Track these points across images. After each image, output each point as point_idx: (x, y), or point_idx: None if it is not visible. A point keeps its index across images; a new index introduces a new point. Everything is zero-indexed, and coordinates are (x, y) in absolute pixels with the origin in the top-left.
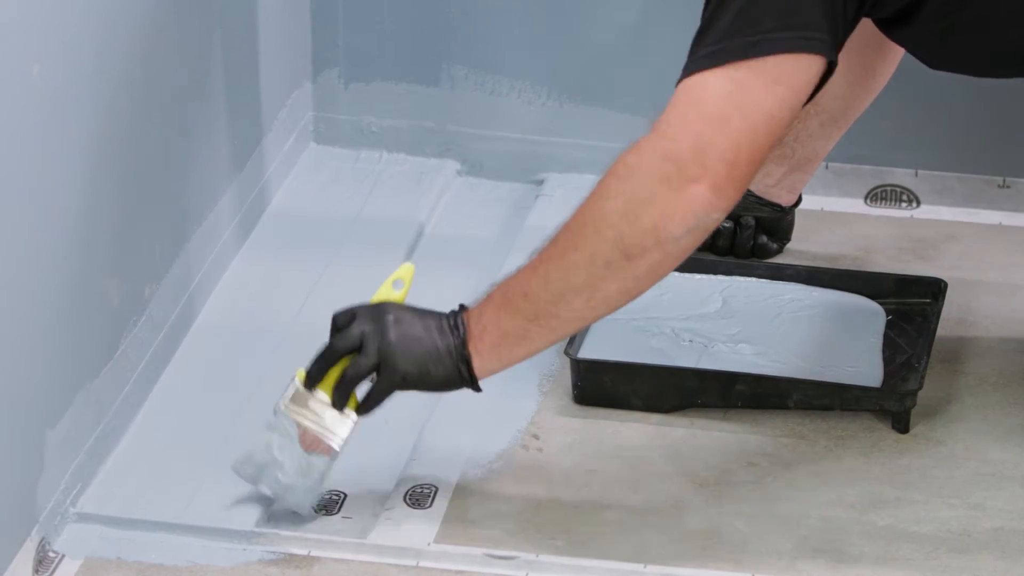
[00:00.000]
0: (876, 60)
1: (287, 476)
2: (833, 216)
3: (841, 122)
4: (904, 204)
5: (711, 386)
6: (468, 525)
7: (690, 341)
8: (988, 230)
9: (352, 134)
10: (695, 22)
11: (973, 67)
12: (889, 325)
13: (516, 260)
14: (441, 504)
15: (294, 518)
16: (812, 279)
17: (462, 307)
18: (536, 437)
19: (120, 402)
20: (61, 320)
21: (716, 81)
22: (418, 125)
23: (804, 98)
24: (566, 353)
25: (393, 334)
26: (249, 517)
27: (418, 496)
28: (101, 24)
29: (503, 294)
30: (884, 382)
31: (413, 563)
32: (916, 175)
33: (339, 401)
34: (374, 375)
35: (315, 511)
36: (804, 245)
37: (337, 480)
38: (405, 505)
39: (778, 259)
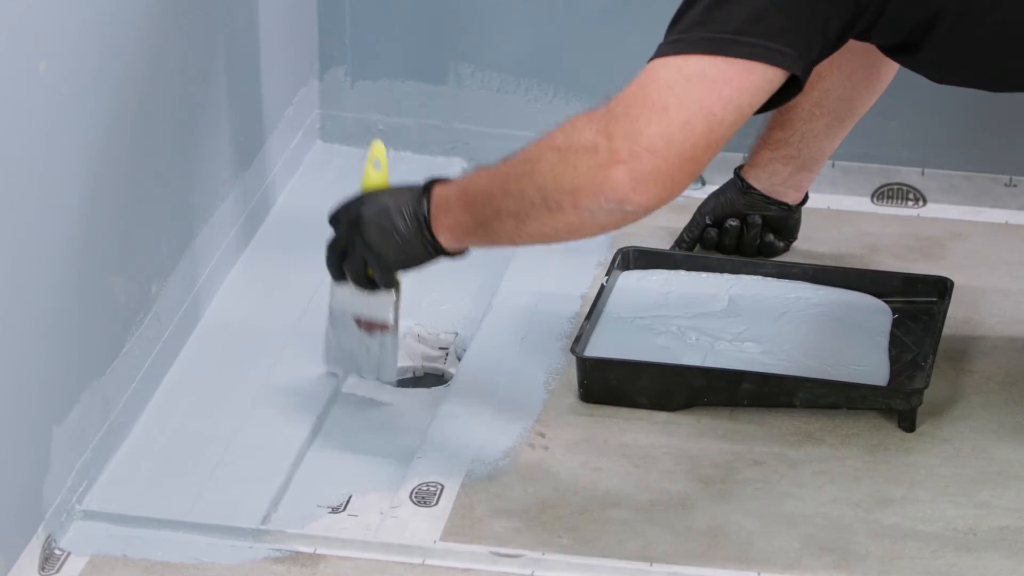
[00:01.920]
0: (880, 60)
1: (361, 359)
2: (840, 214)
3: (847, 122)
4: (911, 203)
5: (717, 384)
6: (474, 523)
7: (696, 339)
8: (995, 229)
9: (358, 132)
10: None
11: (979, 85)
12: (895, 324)
13: (519, 258)
14: (447, 502)
15: (300, 515)
16: (818, 278)
17: (434, 181)
18: (542, 435)
19: (126, 399)
20: (67, 318)
21: (668, 69)
22: (425, 123)
23: (754, 104)
24: (572, 351)
25: (369, 231)
26: (255, 515)
27: (424, 494)
28: (107, 23)
29: (463, 188)
30: (890, 381)
31: (419, 561)
32: (923, 174)
33: (367, 288)
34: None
35: (395, 383)
36: (811, 244)
37: (343, 478)
38: (411, 503)
39: (785, 257)
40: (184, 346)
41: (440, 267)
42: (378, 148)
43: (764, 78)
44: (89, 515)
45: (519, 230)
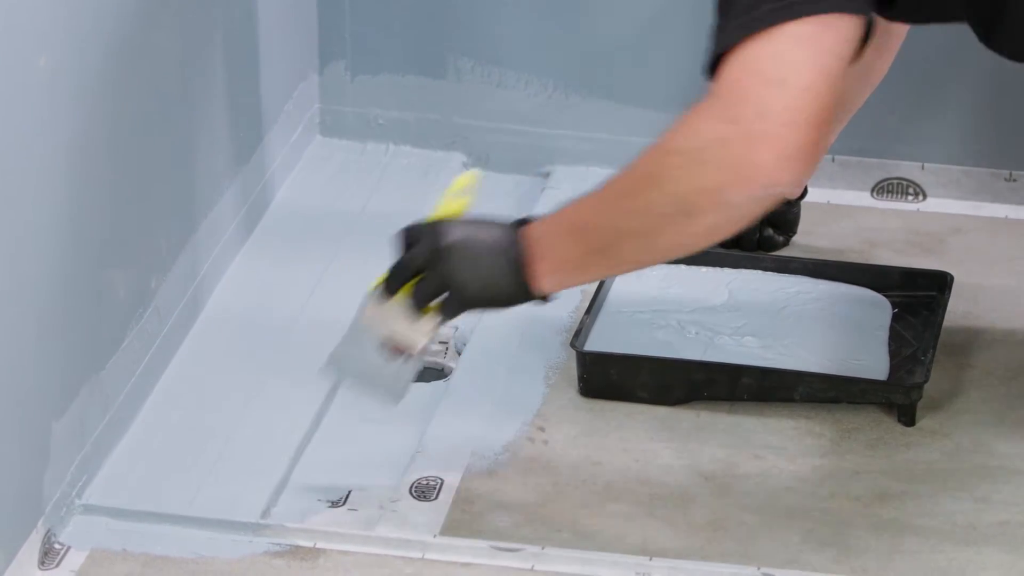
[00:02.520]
0: (872, 56)
1: (371, 378)
2: (839, 209)
3: (841, 116)
4: (910, 197)
5: (717, 379)
6: (474, 517)
7: (696, 334)
8: (994, 223)
9: (358, 126)
10: (703, 14)
11: None
12: (895, 318)
13: None
14: (447, 496)
15: (300, 510)
16: (818, 272)
17: (523, 221)
18: (542, 429)
19: (126, 394)
20: (67, 312)
21: (763, 45)
22: (424, 117)
23: (847, 57)
24: (572, 346)
25: (457, 264)
26: (255, 509)
27: (424, 488)
28: (106, 17)
29: (568, 221)
30: (890, 375)
31: (419, 555)
32: (923, 168)
33: (418, 313)
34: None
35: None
36: (810, 238)
37: (342, 472)
38: (411, 497)
39: (784, 252)
40: (184, 340)
41: None
42: (468, 177)
43: (850, 27)
44: (89, 509)
45: (648, 247)
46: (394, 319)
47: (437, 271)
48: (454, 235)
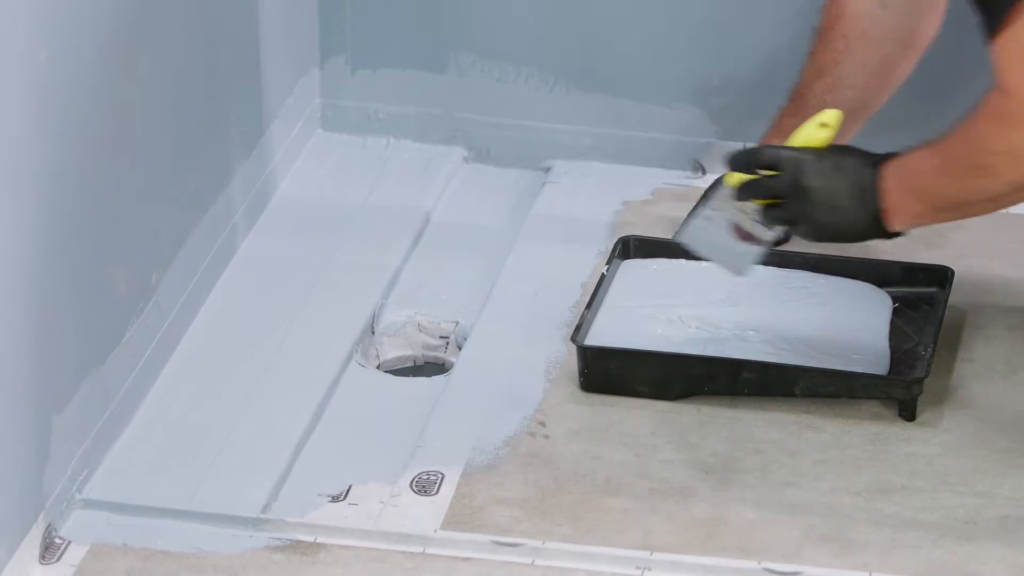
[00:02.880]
0: (898, 58)
1: (720, 252)
2: None
3: (858, 114)
4: None
5: (718, 373)
6: (474, 512)
7: (697, 328)
8: (995, 218)
9: (359, 121)
10: (703, 8)
11: None
12: (896, 313)
13: (523, 248)
14: (447, 491)
15: (300, 504)
16: (819, 267)
17: (878, 161)
18: (543, 424)
19: (127, 389)
20: (67, 307)
21: None
22: (425, 112)
23: None
24: (573, 340)
25: (815, 206)
26: (255, 504)
27: (424, 483)
28: (107, 12)
29: (913, 183)
30: (891, 370)
31: (419, 550)
32: None
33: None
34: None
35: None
36: None
37: (343, 467)
38: (411, 492)
39: (786, 246)
40: (184, 335)
41: (441, 256)
42: (833, 114)
43: None
44: (89, 504)
45: (992, 207)
46: (744, 215)
47: (795, 207)
48: (817, 178)
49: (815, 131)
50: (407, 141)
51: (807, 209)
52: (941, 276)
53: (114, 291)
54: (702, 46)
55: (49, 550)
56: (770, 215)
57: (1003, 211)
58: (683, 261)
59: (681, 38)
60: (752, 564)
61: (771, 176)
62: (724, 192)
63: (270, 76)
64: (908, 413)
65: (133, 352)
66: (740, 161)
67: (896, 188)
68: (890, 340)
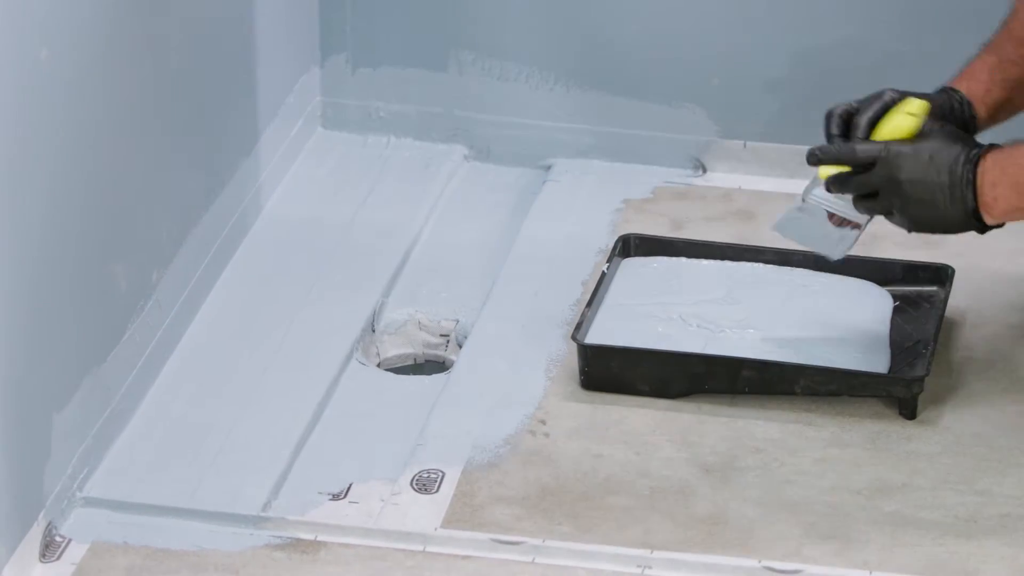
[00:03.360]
0: None
1: (818, 240)
2: None
3: None
4: None
5: (718, 372)
6: (475, 510)
7: (697, 326)
8: None
9: (360, 119)
10: (703, 6)
11: None
12: (896, 311)
13: (523, 246)
14: (448, 489)
15: (301, 503)
16: (820, 265)
17: (977, 154)
18: (543, 422)
19: (127, 387)
20: (68, 305)
21: None
22: (426, 110)
23: None
24: (573, 339)
25: (909, 200)
26: (256, 502)
27: (425, 481)
28: (107, 10)
29: (1014, 178)
30: (891, 368)
31: (420, 548)
32: None
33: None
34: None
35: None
36: None
37: (343, 465)
38: (412, 490)
39: (785, 245)
40: (185, 333)
41: (441, 254)
42: (921, 106)
43: None
44: (90, 502)
45: None
46: (839, 201)
47: (891, 200)
48: (912, 172)
49: (903, 120)
50: (408, 139)
51: (902, 202)
52: (942, 274)
53: (115, 289)
54: (703, 44)
55: (50, 548)
56: (865, 206)
57: None
58: (683, 259)
59: (681, 36)
60: (752, 562)
61: (864, 171)
62: (817, 183)
63: (270, 74)
64: (909, 411)
65: (134, 350)
66: (831, 155)
67: (997, 182)
68: (891, 338)
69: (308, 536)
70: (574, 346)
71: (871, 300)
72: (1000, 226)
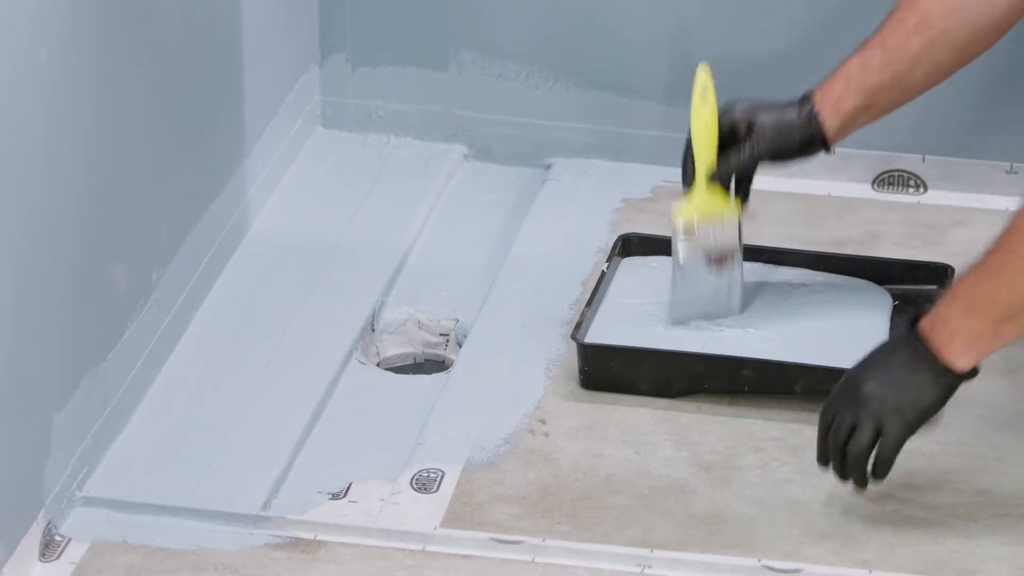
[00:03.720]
0: (986, 34)
1: (711, 300)
2: (840, 201)
3: (931, 82)
4: (911, 189)
5: (718, 371)
6: (474, 509)
7: (696, 326)
8: (995, 216)
9: (359, 118)
10: (703, 5)
11: None
12: (896, 310)
13: (519, 244)
14: (447, 488)
15: (300, 502)
16: (819, 264)
17: (918, 319)
18: (543, 422)
19: (127, 386)
20: (68, 304)
21: None
22: (425, 109)
23: None
24: (573, 338)
25: (880, 398)
26: (255, 501)
27: (424, 480)
28: (107, 9)
29: (969, 298)
30: None
31: (419, 547)
32: (924, 160)
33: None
34: None
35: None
36: (811, 230)
37: (343, 465)
38: (411, 489)
39: (785, 244)
40: (184, 332)
41: (441, 254)
42: (704, 74)
43: None
44: (89, 501)
45: None
46: (707, 235)
47: (869, 421)
48: (870, 382)
49: (698, 104)
50: (407, 139)
51: (880, 412)
52: (941, 273)
53: (114, 288)
54: (702, 43)
55: (49, 548)
56: (854, 450)
57: (1003, 209)
58: None
59: (681, 35)
60: (752, 561)
61: (832, 402)
62: (678, 242)
63: (270, 73)
64: None
65: (133, 349)
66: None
67: (940, 319)
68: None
69: (308, 535)
70: (574, 345)
71: (871, 300)
72: (976, 372)
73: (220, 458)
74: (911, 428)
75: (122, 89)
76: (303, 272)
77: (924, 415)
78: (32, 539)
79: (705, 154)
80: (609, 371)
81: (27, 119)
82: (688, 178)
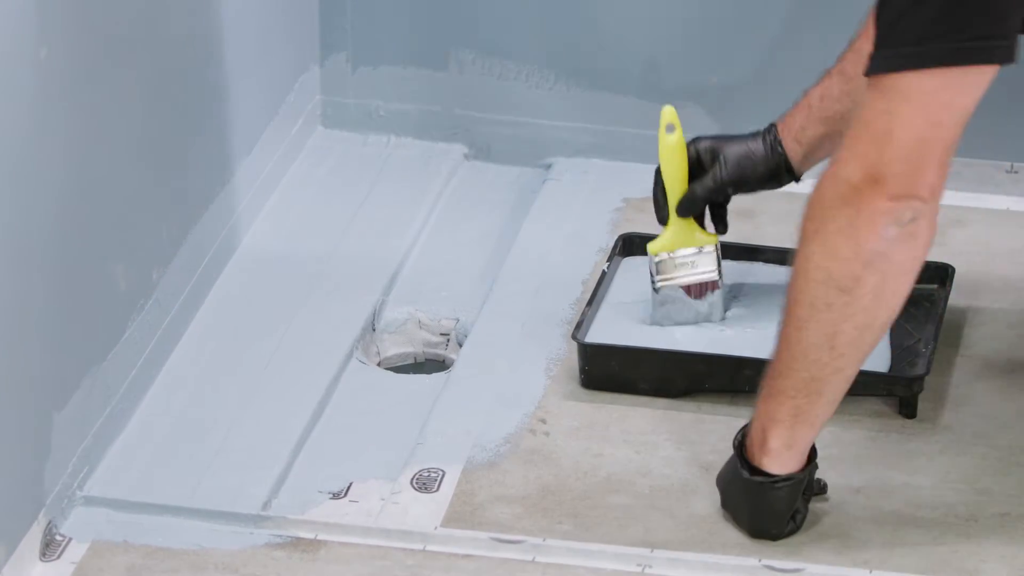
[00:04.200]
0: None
1: (696, 317)
2: None
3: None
4: None
5: (718, 371)
6: (475, 509)
7: (697, 326)
8: (996, 215)
9: (360, 118)
10: (702, 5)
11: None
12: None
13: (520, 244)
14: (448, 488)
15: (301, 502)
16: None
17: (743, 433)
18: (543, 421)
19: (127, 385)
20: (68, 304)
21: (885, 93)
22: (426, 109)
23: (977, 99)
24: (574, 337)
25: (732, 518)
26: (256, 501)
27: (425, 480)
28: (106, 9)
29: (767, 385)
30: (892, 367)
31: (420, 547)
32: None
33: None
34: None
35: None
36: None
37: (343, 464)
38: (412, 489)
39: (784, 244)
40: (185, 332)
41: (441, 253)
42: (669, 112)
43: (981, 76)
44: (90, 501)
45: (836, 348)
46: (684, 265)
47: (742, 528)
48: (726, 506)
49: (665, 136)
50: (408, 138)
51: (739, 523)
52: (942, 273)
53: (115, 288)
54: (702, 43)
55: (50, 547)
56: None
57: (1003, 208)
58: None
59: (680, 35)
60: (752, 561)
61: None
62: (654, 272)
63: (270, 73)
64: (909, 410)
65: (134, 349)
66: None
67: (757, 417)
68: (891, 337)
69: (308, 535)
70: (574, 345)
71: None
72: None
73: (221, 458)
74: (778, 521)
75: (122, 88)
76: (304, 272)
77: (777, 515)
78: (32, 539)
79: (675, 188)
80: (610, 371)
81: (27, 118)
82: (661, 213)
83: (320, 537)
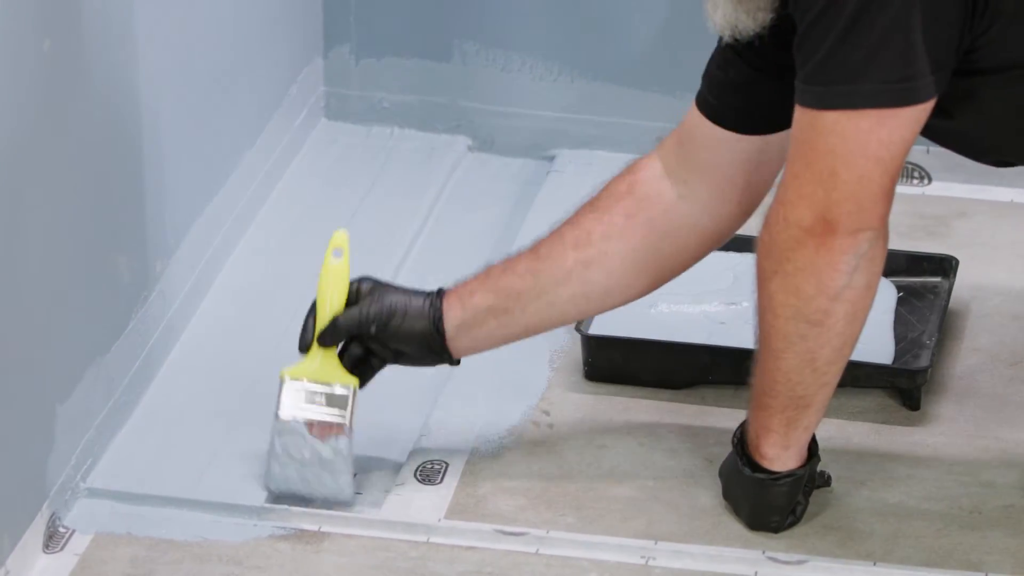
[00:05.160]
0: (679, 255)
1: (313, 473)
2: None
3: (600, 302)
4: (916, 181)
5: (722, 363)
6: (478, 501)
7: (701, 317)
8: (1000, 207)
9: (363, 110)
10: None
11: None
12: (900, 302)
13: (527, 237)
14: (451, 480)
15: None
16: None
17: (742, 430)
18: (547, 413)
19: (130, 377)
20: (71, 296)
21: (822, 133)
22: (429, 101)
23: (915, 133)
24: (577, 329)
25: (733, 509)
26: (259, 493)
27: (428, 472)
28: (110, 2)
29: (755, 398)
30: (895, 359)
31: (423, 539)
32: (928, 152)
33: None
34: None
35: (354, 494)
36: None
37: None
38: (416, 481)
39: None
40: (188, 324)
41: (445, 245)
42: (339, 236)
43: (914, 111)
44: (93, 493)
45: (817, 369)
46: (315, 399)
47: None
48: (727, 496)
49: (331, 261)
50: (411, 130)
51: (739, 515)
52: (946, 265)
53: (118, 280)
54: (706, 34)
55: (53, 539)
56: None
57: (1007, 201)
58: None
59: (684, 26)
60: (756, 553)
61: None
62: (282, 396)
63: (274, 65)
64: (912, 402)
65: (137, 341)
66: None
67: (751, 424)
68: (895, 329)
69: (311, 527)
70: (578, 337)
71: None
72: (810, 460)
73: (224, 449)
74: (779, 515)
75: (126, 80)
76: (307, 263)
77: (778, 509)
78: (36, 531)
79: (326, 316)
80: (613, 362)
81: (32, 110)
82: (305, 338)
83: (323, 529)
